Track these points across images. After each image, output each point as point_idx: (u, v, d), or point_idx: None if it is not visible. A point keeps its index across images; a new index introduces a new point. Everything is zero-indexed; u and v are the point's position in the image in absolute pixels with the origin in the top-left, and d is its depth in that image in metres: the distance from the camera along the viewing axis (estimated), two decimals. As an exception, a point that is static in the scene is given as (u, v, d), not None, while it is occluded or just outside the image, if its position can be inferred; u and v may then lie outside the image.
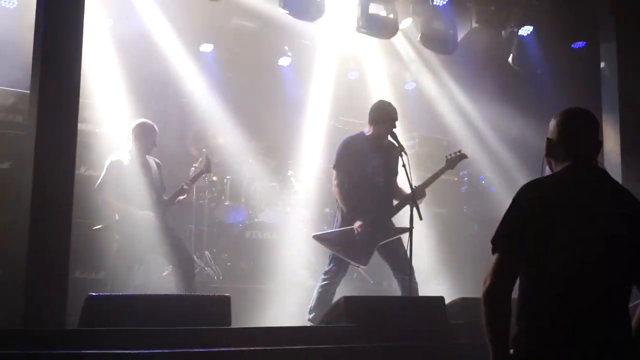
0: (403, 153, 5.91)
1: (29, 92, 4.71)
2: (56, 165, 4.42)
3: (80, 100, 4.74)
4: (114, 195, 6.16)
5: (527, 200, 2.60)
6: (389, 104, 6.27)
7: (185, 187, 6.60)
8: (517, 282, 2.62)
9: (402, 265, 5.88)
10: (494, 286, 2.51)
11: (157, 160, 6.65)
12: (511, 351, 2.52)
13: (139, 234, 6.12)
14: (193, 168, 8.19)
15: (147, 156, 6.50)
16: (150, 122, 6.55)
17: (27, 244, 4.27)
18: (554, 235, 2.50)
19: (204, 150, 8.52)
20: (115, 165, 6.23)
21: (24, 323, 4.00)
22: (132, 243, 6.13)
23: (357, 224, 5.91)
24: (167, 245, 6.29)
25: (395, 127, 6.10)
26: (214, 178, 8.28)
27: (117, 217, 6.21)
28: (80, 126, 4.98)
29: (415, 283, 5.86)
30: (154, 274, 6.70)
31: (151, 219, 6.17)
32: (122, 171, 6.22)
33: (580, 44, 9.53)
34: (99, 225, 6.27)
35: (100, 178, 6.21)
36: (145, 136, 6.44)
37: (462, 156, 6.31)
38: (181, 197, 6.61)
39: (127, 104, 7.60)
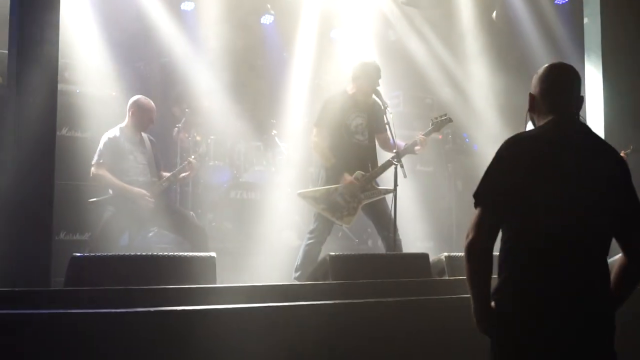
0: (387, 111, 5.91)
1: (6, 52, 4.63)
2: (37, 126, 4.37)
3: (61, 60, 4.67)
4: (110, 172, 6.01)
5: (509, 155, 2.61)
6: (372, 61, 6.23)
7: (187, 164, 6.45)
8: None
9: (385, 223, 5.92)
10: (476, 240, 2.53)
11: (151, 137, 6.49)
12: (492, 304, 2.56)
13: (133, 209, 6.00)
14: (176, 128, 8.15)
15: (142, 133, 6.36)
16: (146, 99, 6.37)
17: (9, 205, 4.25)
18: (536, 190, 2.52)
19: (186, 110, 8.49)
20: (112, 141, 6.09)
21: (8, 284, 4.00)
22: (126, 217, 6.01)
23: (346, 177, 5.92)
24: (168, 221, 6.22)
25: (378, 85, 6.07)
26: (198, 138, 8.24)
27: (111, 192, 6.09)
28: (60, 87, 4.92)
29: (399, 240, 5.90)
30: (138, 235, 6.69)
31: (146, 197, 6.04)
32: (118, 148, 6.10)
33: (563, -1, 9.53)
34: (93, 197, 6.11)
35: (97, 154, 6.06)
36: (140, 113, 6.27)
37: (448, 120, 6.26)
38: (184, 174, 6.46)
39: (108, 64, 7.50)
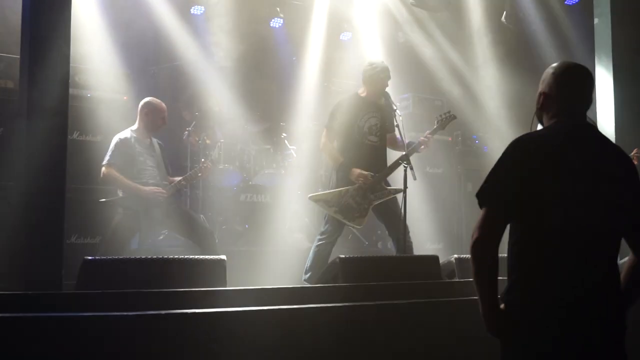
0: (397, 113, 5.94)
1: (18, 57, 4.67)
2: (48, 130, 4.39)
3: (71, 64, 4.70)
4: (120, 173, 6.02)
5: (515, 154, 2.59)
6: (380, 62, 6.27)
7: (202, 167, 6.46)
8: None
9: (397, 224, 5.92)
10: (481, 239, 2.51)
11: (160, 142, 6.51)
12: (502, 305, 2.55)
13: (143, 209, 6.02)
14: (187, 132, 8.16)
15: (152, 138, 6.38)
16: (157, 100, 6.39)
17: (22, 209, 4.27)
18: (545, 189, 2.50)
19: (196, 113, 8.52)
20: (123, 142, 6.11)
21: (20, 287, 4.02)
22: (136, 218, 6.03)
23: (355, 171, 5.94)
24: (178, 223, 6.22)
25: (387, 85, 6.12)
26: (208, 141, 8.26)
27: (120, 194, 6.10)
28: (71, 91, 4.95)
29: (410, 242, 5.91)
30: (149, 239, 6.71)
31: (156, 196, 6.07)
32: (129, 150, 6.11)
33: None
34: (103, 198, 6.16)
35: (107, 154, 6.07)
36: (153, 114, 6.30)
37: (452, 117, 6.27)
38: (199, 174, 6.47)
39: (118, 67, 7.54)
